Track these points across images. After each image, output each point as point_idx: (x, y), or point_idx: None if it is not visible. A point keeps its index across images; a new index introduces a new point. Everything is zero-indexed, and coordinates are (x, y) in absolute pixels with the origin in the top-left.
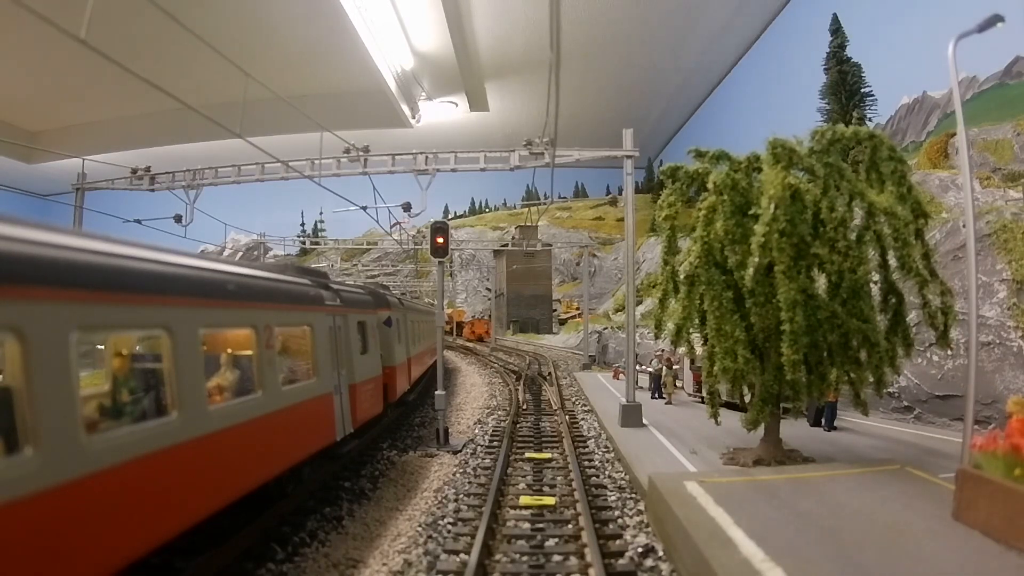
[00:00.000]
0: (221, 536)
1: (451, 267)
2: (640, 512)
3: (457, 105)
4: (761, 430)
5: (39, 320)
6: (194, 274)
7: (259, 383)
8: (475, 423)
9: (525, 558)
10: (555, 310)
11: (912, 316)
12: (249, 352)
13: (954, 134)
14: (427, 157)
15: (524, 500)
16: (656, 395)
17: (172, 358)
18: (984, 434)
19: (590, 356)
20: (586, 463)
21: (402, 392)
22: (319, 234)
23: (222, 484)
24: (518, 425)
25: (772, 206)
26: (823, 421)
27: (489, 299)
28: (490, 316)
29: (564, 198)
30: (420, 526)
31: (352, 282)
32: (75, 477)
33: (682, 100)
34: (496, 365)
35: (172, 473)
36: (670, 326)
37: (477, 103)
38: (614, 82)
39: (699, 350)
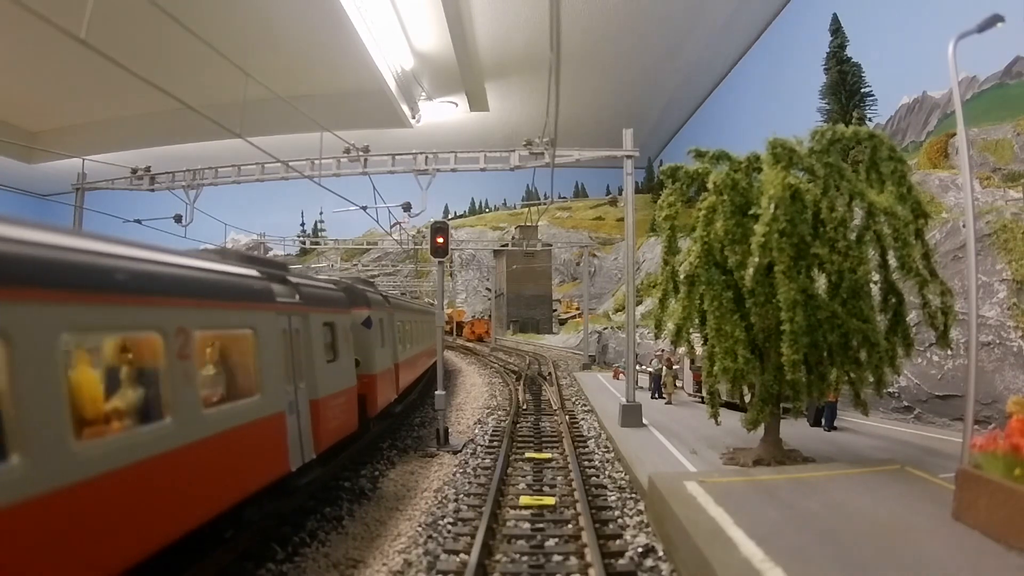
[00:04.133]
0: (221, 536)
1: (451, 267)
2: (640, 512)
3: (457, 105)
4: (761, 430)
5: None
6: (51, 257)
7: (167, 407)
8: (475, 423)
9: (525, 558)
10: (555, 310)
11: (912, 316)
12: (152, 365)
13: (954, 134)
14: (427, 157)
15: (524, 500)
16: (656, 395)
17: (9, 377)
18: (984, 434)
19: (590, 356)
20: (586, 463)
21: (386, 403)
22: (319, 234)
23: (102, 551)
24: (518, 425)
25: (772, 206)
26: (823, 421)
27: (489, 299)
28: (490, 316)
29: (564, 198)
30: (420, 526)
31: (337, 276)
32: None
33: (682, 100)
34: (496, 365)
35: (17, 547)
36: (670, 326)
37: (477, 103)
38: (614, 82)
39: (699, 350)
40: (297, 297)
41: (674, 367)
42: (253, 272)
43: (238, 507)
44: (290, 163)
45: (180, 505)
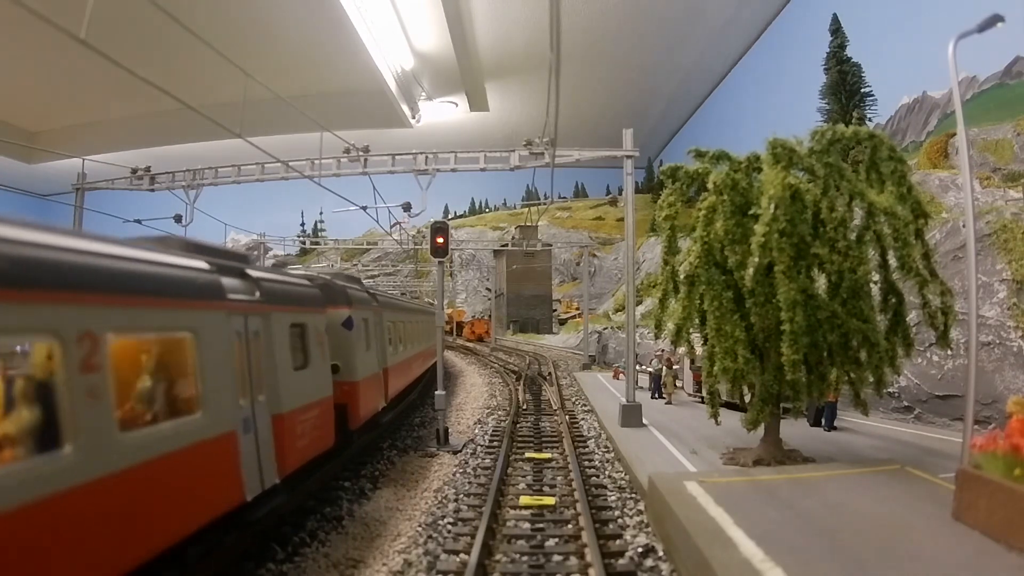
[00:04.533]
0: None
1: (451, 267)
2: (640, 512)
3: (457, 105)
4: (761, 430)
5: None
6: None
7: (67, 432)
8: (475, 423)
9: (525, 558)
10: (555, 310)
11: (912, 316)
12: (44, 379)
13: (954, 134)
14: (427, 157)
15: (524, 500)
16: (656, 395)
17: None
18: (984, 434)
19: (590, 356)
20: (586, 463)
21: (372, 413)
22: (319, 234)
23: None
24: (518, 425)
25: (772, 206)
26: (823, 421)
27: (489, 299)
28: (490, 316)
29: (564, 198)
30: (420, 526)
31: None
32: None
33: (682, 100)
34: (496, 365)
35: None
36: (670, 326)
37: (477, 103)
38: (614, 82)
39: (699, 350)
40: (257, 294)
41: (674, 367)
42: (198, 263)
43: (179, 546)
44: (290, 163)
45: (91, 553)
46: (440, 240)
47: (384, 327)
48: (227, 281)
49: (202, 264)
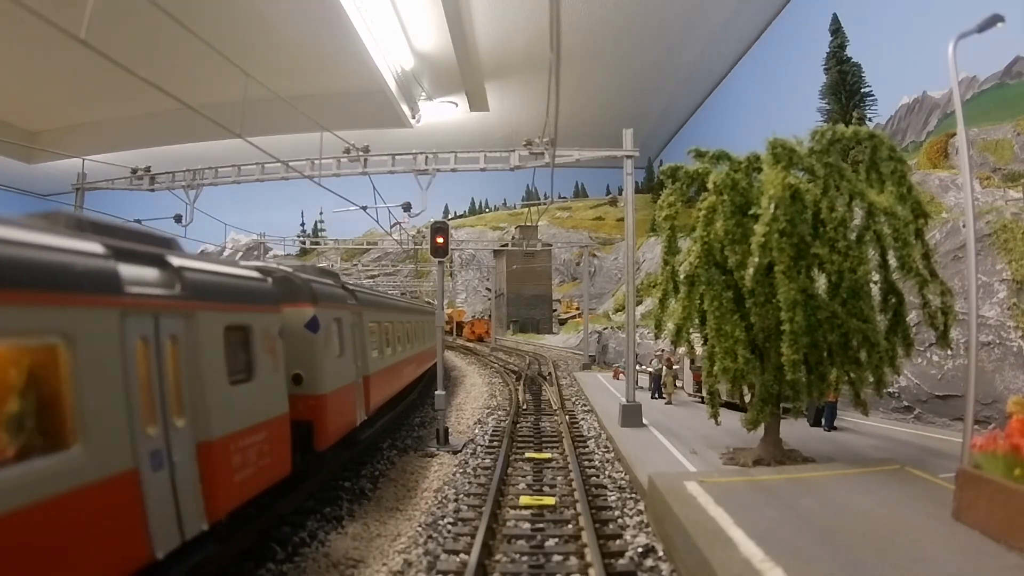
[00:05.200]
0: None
1: (451, 267)
2: (640, 512)
3: (457, 105)
4: (761, 430)
5: None
6: None
7: None
8: (475, 423)
9: (525, 558)
10: (555, 310)
11: (912, 316)
12: None
13: (954, 134)
14: (427, 157)
15: (524, 500)
16: (656, 395)
17: None
18: (984, 434)
19: (590, 356)
20: (586, 463)
21: (347, 430)
22: (319, 234)
23: None
24: (518, 425)
25: (772, 206)
26: (823, 421)
27: (489, 299)
28: (490, 316)
29: (564, 198)
30: (420, 526)
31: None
32: None
33: (682, 100)
34: (496, 365)
35: None
36: (670, 326)
37: (477, 103)
38: (614, 82)
39: (699, 350)
40: (178, 287)
41: (674, 367)
42: (85, 246)
43: None
44: (290, 163)
45: None
46: (440, 240)
47: (365, 329)
48: (129, 270)
49: (92, 247)
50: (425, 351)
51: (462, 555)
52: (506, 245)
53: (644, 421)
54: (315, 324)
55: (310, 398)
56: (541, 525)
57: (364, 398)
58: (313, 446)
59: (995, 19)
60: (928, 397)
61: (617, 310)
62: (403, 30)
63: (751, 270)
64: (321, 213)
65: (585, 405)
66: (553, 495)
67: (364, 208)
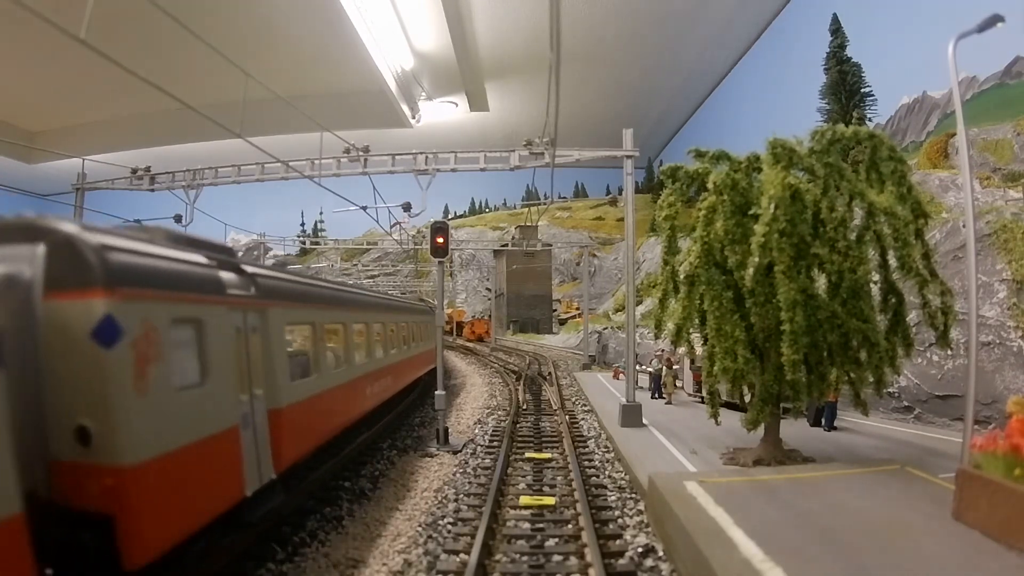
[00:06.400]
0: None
1: (451, 267)
2: (640, 512)
3: (457, 105)
4: (761, 430)
5: None
6: None
7: None
8: (475, 423)
9: (525, 558)
10: (555, 310)
11: (912, 316)
12: None
13: (954, 134)
14: (427, 157)
15: (524, 500)
16: (656, 395)
17: None
18: (984, 434)
19: (590, 356)
20: (586, 463)
21: (191, 528)
22: (319, 234)
23: None
24: (518, 425)
25: (772, 206)
26: (823, 421)
27: (489, 299)
28: (490, 316)
29: (564, 198)
30: (420, 526)
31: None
32: None
33: (682, 100)
34: (496, 365)
35: None
36: (670, 326)
37: (477, 103)
38: (614, 82)
39: (699, 350)
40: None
41: (674, 367)
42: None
43: None
44: (290, 163)
45: None
46: (440, 240)
47: (277, 335)
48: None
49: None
50: (420, 355)
51: (462, 555)
52: (506, 245)
53: (644, 421)
54: (110, 331)
55: (105, 473)
56: (541, 525)
57: (272, 445)
58: (119, 563)
59: (995, 19)
60: (928, 397)
61: (617, 310)
62: (403, 30)
63: (751, 270)
64: (321, 213)
65: (585, 405)
66: (553, 495)
67: (364, 208)
